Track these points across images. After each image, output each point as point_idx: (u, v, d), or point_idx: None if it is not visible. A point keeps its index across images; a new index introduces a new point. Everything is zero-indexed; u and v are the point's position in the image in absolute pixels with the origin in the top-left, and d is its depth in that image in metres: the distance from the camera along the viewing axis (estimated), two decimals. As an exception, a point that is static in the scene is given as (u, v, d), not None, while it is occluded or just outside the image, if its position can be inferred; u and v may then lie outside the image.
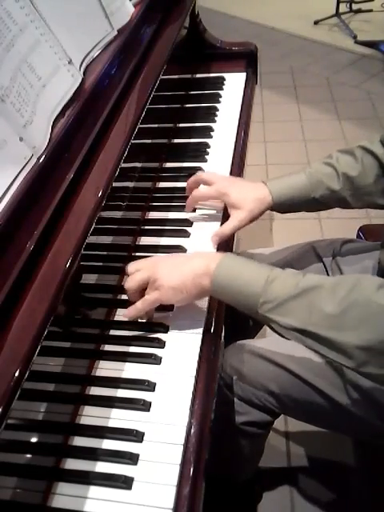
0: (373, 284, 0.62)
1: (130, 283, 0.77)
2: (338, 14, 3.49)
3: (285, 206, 0.91)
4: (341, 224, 2.04)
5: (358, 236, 1.22)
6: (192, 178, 0.96)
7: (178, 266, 0.75)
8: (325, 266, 1.03)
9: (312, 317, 0.64)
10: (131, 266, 0.78)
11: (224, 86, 1.31)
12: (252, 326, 1.28)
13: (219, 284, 0.71)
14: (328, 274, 1.02)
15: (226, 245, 0.91)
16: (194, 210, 0.98)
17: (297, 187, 0.90)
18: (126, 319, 0.80)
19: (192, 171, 1.07)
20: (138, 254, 0.92)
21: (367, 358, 0.61)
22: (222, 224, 0.94)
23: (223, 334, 0.81)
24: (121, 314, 0.82)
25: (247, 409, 0.91)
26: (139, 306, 0.75)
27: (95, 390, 0.72)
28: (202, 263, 0.72)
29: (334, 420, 0.88)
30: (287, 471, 1.32)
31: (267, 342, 0.91)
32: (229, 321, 0.82)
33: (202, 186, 0.96)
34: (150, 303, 0.75)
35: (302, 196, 0.90)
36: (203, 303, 0.81)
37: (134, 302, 0.77)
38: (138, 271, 0.76)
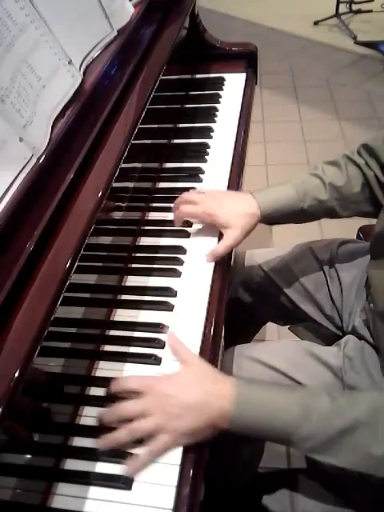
0: None
1: (122, 411, 0.64)
2: (337, 14, 3.49)
3: (273, 217, 0.89)
4: (340, 224, 2.03)
5: (358, 236, 1.22)
6: (178, 200, 0.93)
7: (190, 408, 0.63)
8: (322, 268, 1.03)
9: (359, 459, 0.61)
10: (127, 382, 0.67)
11: (224, 87, 1.31)
12: (250, 329, 1.28)
13: (241, 427, 0.64)
14: (325, 278, 1.02)
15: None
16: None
17: (285, 198, 0.89)
18: (126, 319, 0.80)
19: (192, 171, 1.07)
20: (137, 254, 0.92)
21: None
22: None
23: (223, 334, 0.81)
24: (121, 315, 0.82)
25: None
26: (145, 460, 0.62)
27: (95, 391, 0.72)
28: (219, 407, 0.63)
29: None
30: (287, 472, 1.31)
31: (266, 346, 0.91)
32: (226, 324, 0.82)
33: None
34: (159, 453, 0.62)
35: (291, 207, 0.89)
36: (203, 303, 0.81)
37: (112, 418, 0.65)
38: (137, 399, 0.64)
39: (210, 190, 0.96)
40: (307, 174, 0.92)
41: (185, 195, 0.92)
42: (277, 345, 0.91)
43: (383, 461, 0.60)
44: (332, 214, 0.92)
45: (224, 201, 0.89)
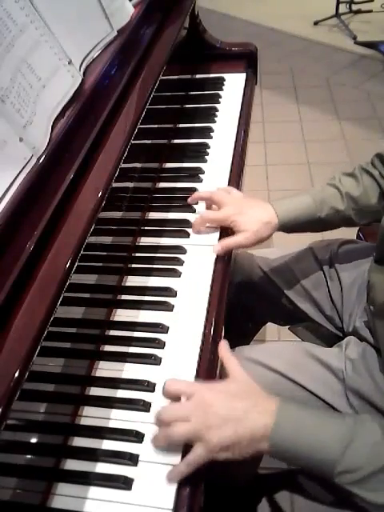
0: None
1: (167, 414, 0.63)
2: (337, 14, 3.49)
3: (290, 226, 0.91)
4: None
5: (358, 237, 1.22)
6: (202, 194, 0.96)
7: (233, 421, 0.61)
8: (322, 269, 1.03)
9: None
10: (174, 387, 0.66)
11: (224, 87, 1.31)
12: (250, 329, 1.28)
13: (281, 450, 0.61)
14: (325, 278, 1.02)
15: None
16: (194, 211, 0.98)
17: (303, 207, 0.91)
18: (126, 319, 0.80)
19: (192, 172, 1.07)
20: (137, 254, 0.92)
21: None
22: (220, 226, 0.94)
23: (223, 334, 0.81)
24: (121, 315, 0.82)
25: None
26: (183, 470, 0.61)
27: (95, 391, 0.72)
28: (260, 423, 0.60)
29: None
30: (287, 473, 1.31)
31: (266, 347, 0.91)
32: (226, 324, 0.82)
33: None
34: (197, 465, 0.60)
35: (308, 216, 0.91)
36: (203, 303, 0.81)
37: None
38: (183, 416, 0.62)
39: (228, 194, 0.96)
40: (325, 184, 0.94)
41: (213, 194, 0.94)
42: (277, 346, 0.91)
43: None
44: (349, 222, 0.95)
45: (244, 208, 0.91)
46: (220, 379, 0.71)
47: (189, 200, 0.97)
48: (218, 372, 0.75)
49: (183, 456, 0.64)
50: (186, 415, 0.62)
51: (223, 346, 0.73)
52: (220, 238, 0.92)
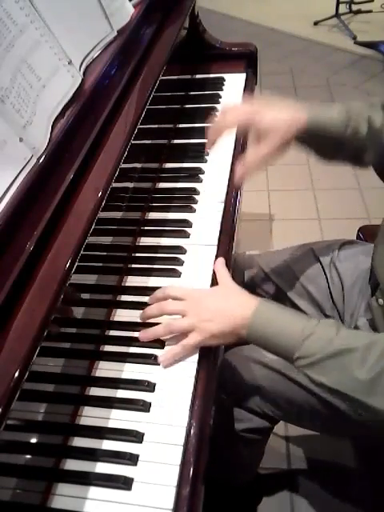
0: None
1: (165, 307, 0.77)
2: (337, 14, 3.49)
3: (314, 132, 0.83)
4: (340, 225, 2.04)
5: (358, 237, 1.22)
6: (216, 125, 0.88)
7: (220, 311, 0.74)
8: (323, 269, 1.03)
9: (344, 380, 0.66)
10: (171, 290, 0.78)
11: (224, 87, 1.31)
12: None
13: (255, 336, 0.72)
14: (326, 279, 1.02)
15: (226, 246, 0.91)
16: (194, 211, 0.98)
17: (331, 118, 0.84)
18: (126, 320, 0.80)
19: (192, 172, 1.07)
20: (137, 254, 0.92)
21: None
22: (221, 224, 0.94)
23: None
24: (121, 315, 0.82)
25: (246, 416, 0.91)
26: (178, 351, 0.74)
27: (95, 391, 0.72)
28: (239, 312, 0.73)
29: (334, 425, 0.88)
30: (287, 473, 1.32)
31: None
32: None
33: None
34: (191, 348, 0.74)
35: (334, 128, 0.83)
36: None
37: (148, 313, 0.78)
38: (177, 300, 0.77)
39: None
40: (351, 101, 0.88)
41: (225, 110, 0.87)
42: None
43: (365, 385, 0.64)
44: (360, 153, 0.87)
45: (274, 105, 0.85)
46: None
47: (207, 146, 0.91)
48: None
49: (183, 456, 0.64)
50: (183, 310, 0.75)
51: (220, 261, 0.86)
52: (220, 238, 0.92)
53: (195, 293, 0.78)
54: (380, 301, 0.86)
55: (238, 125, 0.87)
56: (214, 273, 0.86)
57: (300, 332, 0.69)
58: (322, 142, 0.86)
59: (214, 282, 0.85)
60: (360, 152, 0.87)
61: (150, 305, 0.79)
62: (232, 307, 0.74)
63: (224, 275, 0.82)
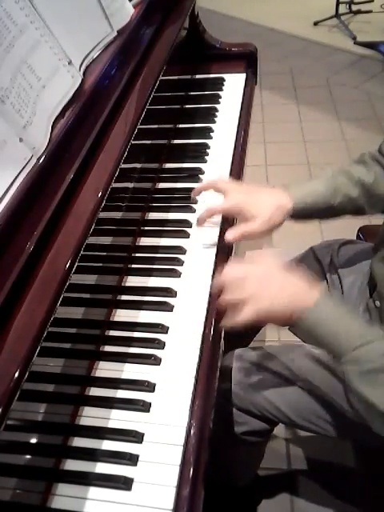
0: None
1: (232, 277, 0.73)
2: (337, 14, 3.49)
3: (303, 212, 0.89)
4: (340, 225, 2.03)
5: (358, 237, 1.22)
6: (205, 184, 0.92)
7: (282, 292, 0.71)
8: (323, 269, 1.03)
9: None
10: (239, 268, 0.76)
11: (224, 87, 1.31)
12: (249, 330, 1.28)
13: (307, 325, 0.69)
14: (326, 279, 1.02)
15: (226, 249, 0.91)
16: (194, 211, 0.98)
17: (316, 193, 0.89)
18: (126, 320, 0.80)
19: (192, 172, 1.07)
20: (137, 254, 0.92)
21: None
22: (221, 224, 0.94)
23: (223, 335, 0.81)
24: (121, 315, 0.82)
25: (246, 418, 0.91)
26: (235, 320, 0.71)
27: (95, 391, 0.72)
28: (306, 297, 0.69)
29: (334, 427, 0.88)
30: (287, 474, 1.32)
31: (266, 350, 0.91)
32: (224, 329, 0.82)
33: (206, 195, 0.94)
34: (244, 320, 0.70)
35: (321, 202, 0.89)
36: (203, 303, 0.81)
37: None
38: (245, 276, 0.73)
39: (234, 181, 0.95)
40: (337, 171, 0.92)
41: (214, 182, 0.91)
42: (277, 349, 0.91)
43: None
44: (360, 211, 0.92)
45: (255, 193, 0.88)
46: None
47: (192, 194, 0.95)
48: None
49: (183, 456, 0.64)
50: (250, 275, 0.72)
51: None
52: (219, 239, 0.92)
53: (256, 270, 0.75)
54: (377, 303, 0.86)
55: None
56: (214, 273, 0.86)
57: (359, 335, 0.65)
58: (315, 215, 0.91)
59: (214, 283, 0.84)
60: (359, 209, 0.91)
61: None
62: (296, 290, 0.70)
63: (273, 253, 0.80)
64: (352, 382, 0.64)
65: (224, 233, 0.93)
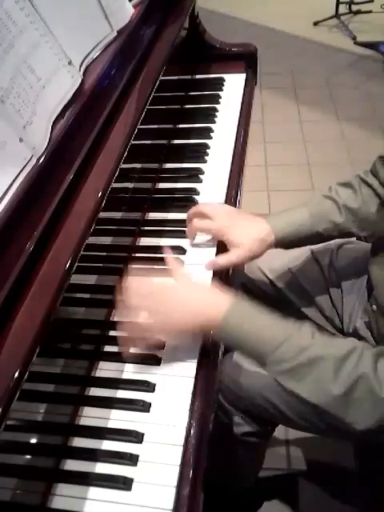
0: (370, 363, 0.63)
1: (132, 300, 0.73)
2: (337, 15, 3.49)
3: (288, 242, 0.89)
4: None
5: (358, 237, 1.22)
6: (192, 210, 0.92)
7: (185, 309, 0.72)
8: (322, 270, 1.03)
9: (319, 392, 0.64)
10: (133, 287, 0.74)
11: (224, 87, 1.31)
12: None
13: (225, 334, 0.70)
14: (325, 279, 1.02)
15: (226, 249, 0.90)
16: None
17: (299, 223, 0.88)
18: (125, 320, 0.80)
19: (192, 172, 1.07)
20: (137, 254, 0.92)
21: (371, 435, 0.64)
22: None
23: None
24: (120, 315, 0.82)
25: (246, 419, 0.91)
26: (141, 344, 0.73)
27: (95, 391, 0.72)
28: (210, 312, 0.70)
29: (333, 428, 0.88)
30: (287, 475, 1.32)
31: None
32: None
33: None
34: (153, 342, 0.73)
35: (305, 231, 0.88)
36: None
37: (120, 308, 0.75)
38: (141, 295, 0.73)
39: (223, 206, 0.96)
40: (321, 196, 0.92)
41: (199, 208, 0.91)
42: None
43: (337, 400, 0.63)
44: (349, 235, 0.92)
45: (239, 221, 0.88)
46: None
47: (188, 237, 0.93)
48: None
49: (183, 456, 0.64)
50: (147, 307, 0.72)
51: (168, 251, 0.84)
52: (220, 243, 0.92)
53: (158, 287, 0.75)
54: (374, 306, 0.86)
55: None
56: (213, 273, 0.86)
57: (274, 337, 0.67)
58: (302, 242, 0.91)
59: (214, 283, 0.85)
60: (348, 233, 0.91)
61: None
62: (201, 306, 0.72)
63: (180, 269, 0.80)
64: (280, 381, 0.67)
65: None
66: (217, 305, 0.70)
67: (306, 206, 0.90)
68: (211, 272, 0.86)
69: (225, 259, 0.86)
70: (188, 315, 0.72)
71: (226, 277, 0.88)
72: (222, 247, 0.90)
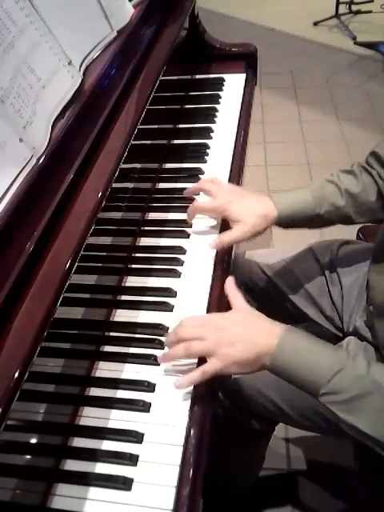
0: None
1: (186, 332, 0.71)
2: (337, 15, 3.49)
3: (289, 221, 0.89)
4: (340, 225, 2.04)
5: (358, 237, 1.22)
6: (193, 187, 0.93)
7: (243, 339, 0.69)
8: (322, 269, 1.03)
9: (377, 423, 0.62)
10: (188, 322, 0.72)
11: (224, 87, 1.31)
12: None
13: (279, 366, 0.68)
14: (325, 279, 1.02)
15: (226, 249, 0.91)
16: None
17: (302, 203, 0.89)
18: (125, 320, 0.80)
19: (192, 172, 1.07)
20: (137, 254, 0.92)
21: None
22: (221, 224, 0.94)
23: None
24: (120, 315, 0.82)
25: (246, 418, 0.91)
26: (197, 377, 0.69)
27: (95, 391, 0.72)
28: (263, 340, 0.68)
29: (333, 426, 0.88)
30: (287, 475, 1.32)
31: None
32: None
33: (202, 195, 0.94)
34: (210, 375, 0.69)
35: (307, 212, 0.89)
36: (202, 304, 0.81)
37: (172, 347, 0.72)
38: (199, 335, 0.69)
39: (224, 183, 0.96)
40: (323, 180, 0.93)
41: (200, 185, 0.92)
42: None
43: None
44: (347, 220, 0.93)
45: (242, 197, 0.89)
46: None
47: (187, 220, 0.94)
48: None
49: (183, 456, 0.64)
50: (201, 335, 0.69)
51: (230, 282, 0.78)
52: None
53: (213, 318, 0.74)
54: (370, 308, 0.86)
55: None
56: (213, 273, 0.86)
57: (329, 367, 0.64)
58: (302, 223, 0.91)
59: (214, 283, 0.85)
60: (347, 218, 0.92)
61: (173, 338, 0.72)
62: (255, 334, 0.69)
63: (238, 298, 0.76)
64: (335, 413, 0.64)
65: (224, 230, 0.93)
66: (270, 332, 0.69)
67: (308, 188, 0.91)
68: (212, 261, 0.87)
69: (229, 236, 0.86)
70: (242, 342, 0.68)
71: (227, 266, 0.89)
72: (218, 262, 0.90)
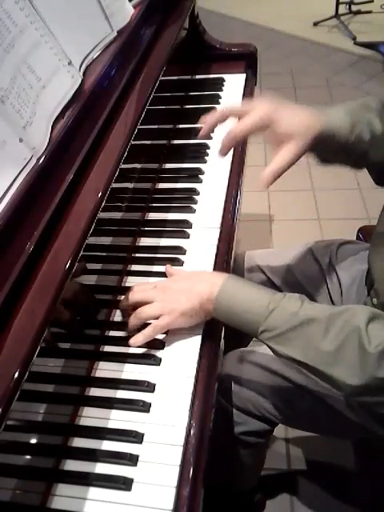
0: (363, 319, 0.64)
1: (135, 296, 0.78)
2: (337, 15, 3.49)
3: (320, 140, 0.76)
4: (340, 225, 2.04)
5: (358, 237, 1.22)
6: (218, 114, 0.79)
7: (185, 291, 0.75)
8: (322, 269, 1.03)
9: (309, 351, 0.66)
10: (138, 287, 0.79)
11: (224, 87, 1.31)
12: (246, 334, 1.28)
13: (221, 310, 0.73)
14: (325, 279, 1.02)
15: (226, 247, 0.91)
16: (194, 211, 0.98)
17: (341, 126, 0.78)
18: (125, 321, 0.80)
19: (192, 172, 1.07)
20: (137, 254, 0.92)
21: (361, 391, 0.64)
22: (221, 224, 0.94)
23: (222, 335, 0.81)
24: (120, 315, 0.82)
25: (245, 419, 0.91)
26: (149, 333, 0.75)
27: (95, 391, 0.72)
28: (206, 288, 0.73)
29: (333, 426, 0.88)
30: (287, 475, 1.32)
31: (264, 350, 0.91)
32: (225, 326, 0.82)
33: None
34: (161, 328, 0.75)
35: (342, 137, 0.78)
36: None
37: (128, 318, 0.78)
38: (148, 297, 0.77)
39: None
40: (353, 105, 0.84)
41: (226, 107, 0.80)
42: None
43: (328, 356, 0.64)
44: (361, 157, 0.82)
45: (286, 103, 0.77)
46: None
47: (202, 133, 0.82)
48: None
49: (183, 456, 0.64)
50: (150, 297, 0.76)
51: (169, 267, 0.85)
52: (220, 238, 0.92)
53: (159, 281, 0.80)
54: (374, 300, 0.86)
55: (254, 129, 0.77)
56: (215, 258, 0.87)
57: (265, 306, 0.69)
58: (327, 148, 0.80)
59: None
60: (360, 157, 0.83)
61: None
62: (196, 284, 0.75)
63: (177, 268, 0.85)
64: (271, 347, 0.70)
65: (224, 232, 0.93)
66: (211, 281, 0.74)
67: (345, 111, 0.82)
68: (212, 261, 0.87)
69: (284, 160, 0.73)
70: (185, 295, 0.74)
71: (227, 266, 0.88)
72: (222, 243, 0.90)
